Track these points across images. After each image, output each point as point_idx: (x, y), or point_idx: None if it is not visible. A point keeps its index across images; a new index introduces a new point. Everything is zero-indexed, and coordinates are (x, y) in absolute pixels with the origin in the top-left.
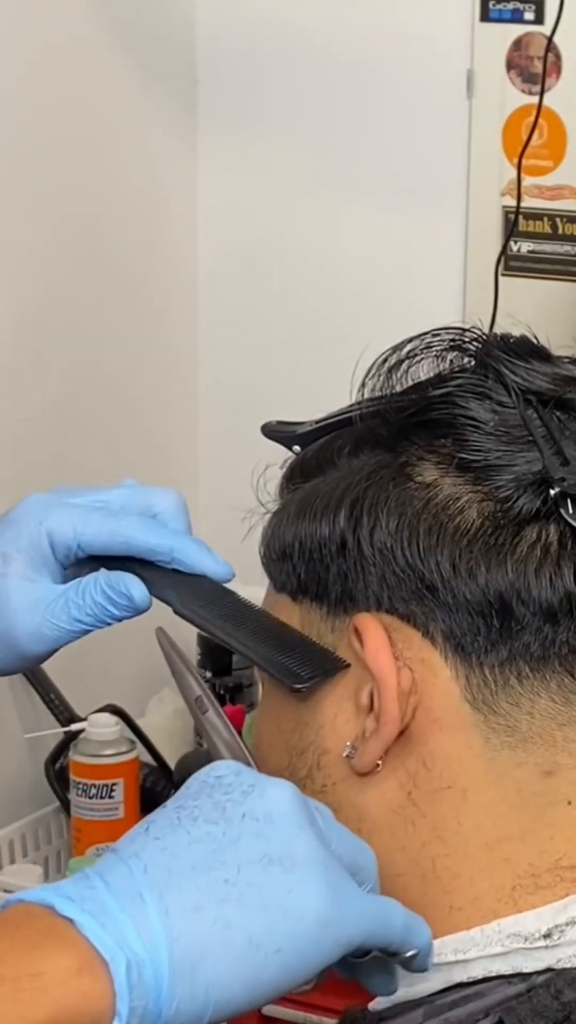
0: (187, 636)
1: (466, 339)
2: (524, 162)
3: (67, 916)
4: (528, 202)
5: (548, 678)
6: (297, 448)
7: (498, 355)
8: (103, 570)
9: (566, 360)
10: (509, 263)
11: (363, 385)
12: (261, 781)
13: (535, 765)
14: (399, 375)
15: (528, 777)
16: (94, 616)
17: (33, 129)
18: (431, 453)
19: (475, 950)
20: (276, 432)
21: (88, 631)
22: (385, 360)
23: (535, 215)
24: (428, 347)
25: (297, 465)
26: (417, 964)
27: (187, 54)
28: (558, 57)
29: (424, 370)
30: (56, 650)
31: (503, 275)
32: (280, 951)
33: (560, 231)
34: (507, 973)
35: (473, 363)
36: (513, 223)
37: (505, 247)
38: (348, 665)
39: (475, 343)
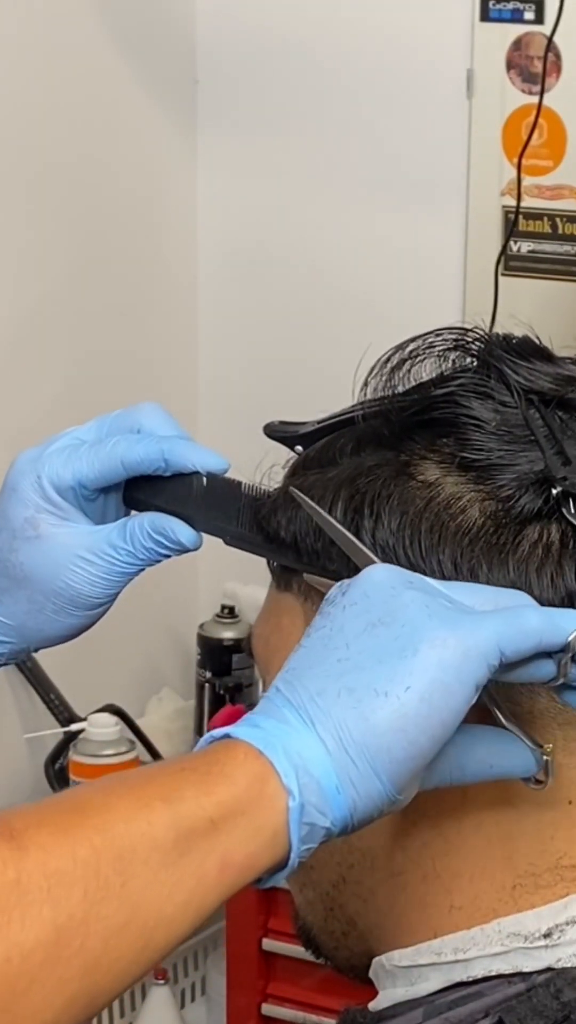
0: (187, 635)
1: (468, 339)
2: (524, 162)
3: (224, 734)
4: (528, 202)
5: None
6: (299, 448)
7: (500, 355)
8: (146, 515)
9: (568, 360)
10: (509, 263)
11: (365, 385)
12: (355, 577)
13: None
14: (401, 375)
15: None
16: (144, 558)
17: (33, 129)
18: (433, 452)
19: (475, 949)
20: (278, 432)
21: (140, 572)
22: (387, 360)
23: (535, 215)
24: (430, 347)
25: (299, 465)
26: None
27: (187, 54)
28: (558, 57)
29: (426, 370)
30: (114, 598)
31: (503, 275)
32: (411, 688)
33: (560, 231)
34: (507, 972)
35: (475, 363)
36: (513, 223)
37: (505, 247)
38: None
39: (477, 343)
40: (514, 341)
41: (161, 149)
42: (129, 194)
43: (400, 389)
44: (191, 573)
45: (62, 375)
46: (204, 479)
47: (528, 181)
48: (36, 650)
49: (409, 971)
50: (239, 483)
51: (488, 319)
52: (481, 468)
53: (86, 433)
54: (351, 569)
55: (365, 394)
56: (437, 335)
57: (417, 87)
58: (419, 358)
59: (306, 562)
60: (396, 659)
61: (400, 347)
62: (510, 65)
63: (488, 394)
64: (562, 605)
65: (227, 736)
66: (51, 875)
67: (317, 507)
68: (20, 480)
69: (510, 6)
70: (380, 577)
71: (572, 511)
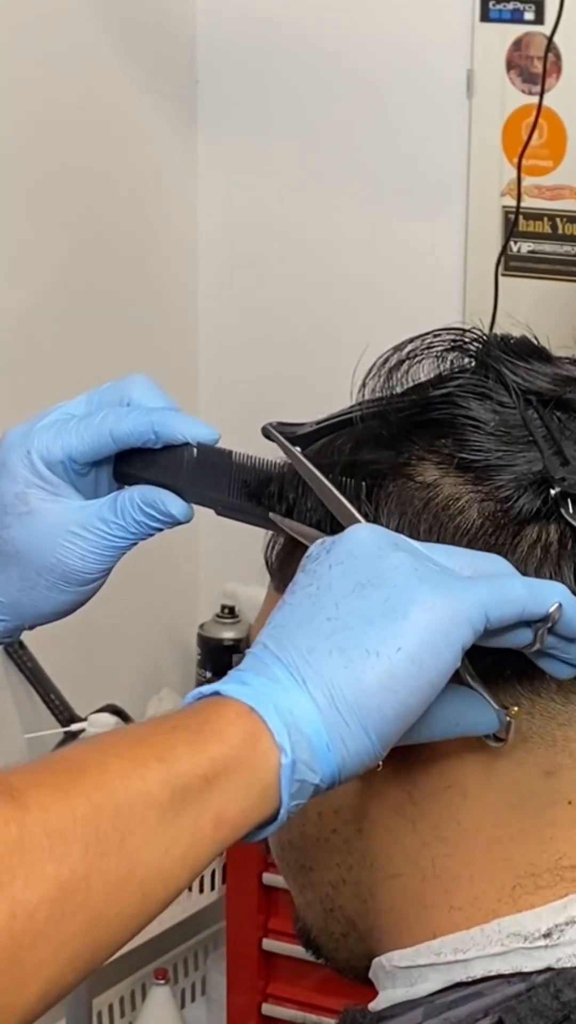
0: (187, 635)
1: (466, 339)
2: (524, 162)
3: (214, 691)
4: (528, 202)
5: (548, 678)
6: (298, 449)
7: (498, 355)
8: (136, 488)
9: (566, 361)
10: (509, 263)
11: (364, 385)
12: (341, 535)
13: (536, 765)
14: (399, 375)
15: (528, 777)
16: (135, 531)
17: (34, 129)
18: (432, 453)
19: (475, 950)
20: (276, 433)
21: (132, 546)
22: (386, 360)
23: (535, 215)
24: (429, 347)
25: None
26: (567, 620)
27: (187, 54)
28: (558, 57)
29: (424, 370)
30: (107, 574)
31: (503, 275)
32: (401, 649)
33: (560, 231)
34: (507, 972)
35: (473, 363)
36: (513, 223)
37: (505, 247)
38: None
39: (475, 343)
40: (512, 342)
41: (161, 149)
42: (129, 194)
43: (398, 390)
44: (191, 573)
45: (62, 374)
46: (195, 450)
47: (528, 181)
48: (31, 627)
49: (409, 971)
50: (230, 452)
51: (488, 319)
52: (479, 469)
53: (75, 407)
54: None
55: (363, 395)
56: (435, 336)
57: (417, 87)
58: (417, 359)
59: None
60: (387, 620)
61: (398, 348)
62: (510, 65)
63: (486, 395)
64: None
65: (217, 693)
66: (52, 833)
67: (304, 459)
68: (9, 455)
69: (510, 6)
70: (365, 536)
71: (570, 511)
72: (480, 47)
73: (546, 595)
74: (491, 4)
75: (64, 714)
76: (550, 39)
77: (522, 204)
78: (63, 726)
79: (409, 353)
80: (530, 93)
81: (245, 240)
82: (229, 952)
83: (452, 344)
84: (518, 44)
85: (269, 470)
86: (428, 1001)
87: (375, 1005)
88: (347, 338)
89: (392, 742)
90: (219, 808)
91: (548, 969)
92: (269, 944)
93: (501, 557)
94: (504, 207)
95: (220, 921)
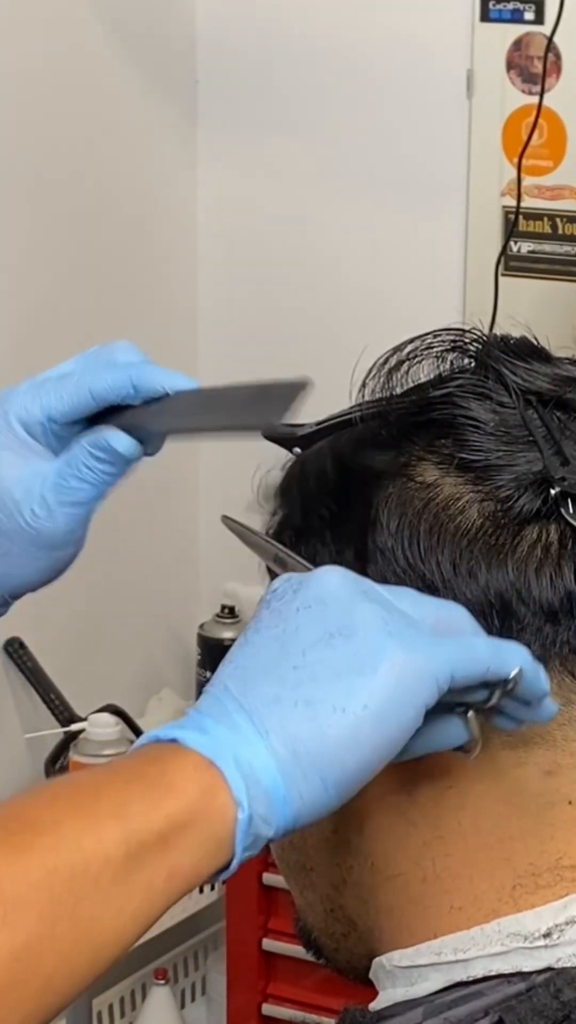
0: (187, 635)
1: (466, 340)
2: (524, 162)
3: (171, 737)
4: (528, 202)
5: (548, 678)
6: (298, 450)
7: (498, 356)
8: (86, 432)
9: (566, 361)
10: (509, 263)
11: (363, 386)
12: (309, 575)
13: (536, 765)
14: (399, 376)
15: (528, 777)
16: (92, 479)
17: (34, 129)
18: (432, 453)
19: (475, 949)
20: (276, 434)
21: (96, 498)
22: (386, 361)
23: (535, 215)
24: (429, 348)
25: (296, 467)
26: (525, 684)
27: (187, 54)
28: (558, 57)
29: (424, 371)
30: (81, 536)
31: (503, 275)
32: (367, 707)
33: (560, 231)
34: (507, 972)
35: (473, 364)
36: (513, 223)
37: (505, 247)
38: (305, 380)
39: (475, 344)
40: (512, 342)
41: (161, 149)
42: (129, 194)
43: (398, 390)
44: (191, 573)
45: None
46: (176, 395)
47: (528, 181)
48: (14, 597)
49: (409, 971)
50: (200, 389)
51: (488, 319)
52: (480, 469)
53: (58, 371)
54: None
55: (363, 395)
56: (435, 336)
57: (417, 87)
58: (417, 359)
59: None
60: (355, 676)
61: (398, 348)
62: (510, 65)
63: (486, 395)
64: (561, 605)
65: (175, 741)
66: (6, 901)
67: (251, 530)
68: None
69: (510, 6)
70: (335, 582)
71: (571, 511)
72: (480, 47)
73: (509, 658)
74: (491, 4)
75: (64, 714)
76: (550, 39)
77: (522, 204)
78: (63, 726)
79: (409, 354)
80: (530, 93)
81: (245, 240)
82: (229, 952)
83: (452, 344)
84: (518, 44)
85: (245, 389)
86: (428, 1001)
87: (375, 1005)
88: (347, 338)
89: (350, 794)
90: (173, 863)
91: (548, 969)
92: (269, 944)
93: (463, 608)
94: (504, 207)
95: (220, 921)
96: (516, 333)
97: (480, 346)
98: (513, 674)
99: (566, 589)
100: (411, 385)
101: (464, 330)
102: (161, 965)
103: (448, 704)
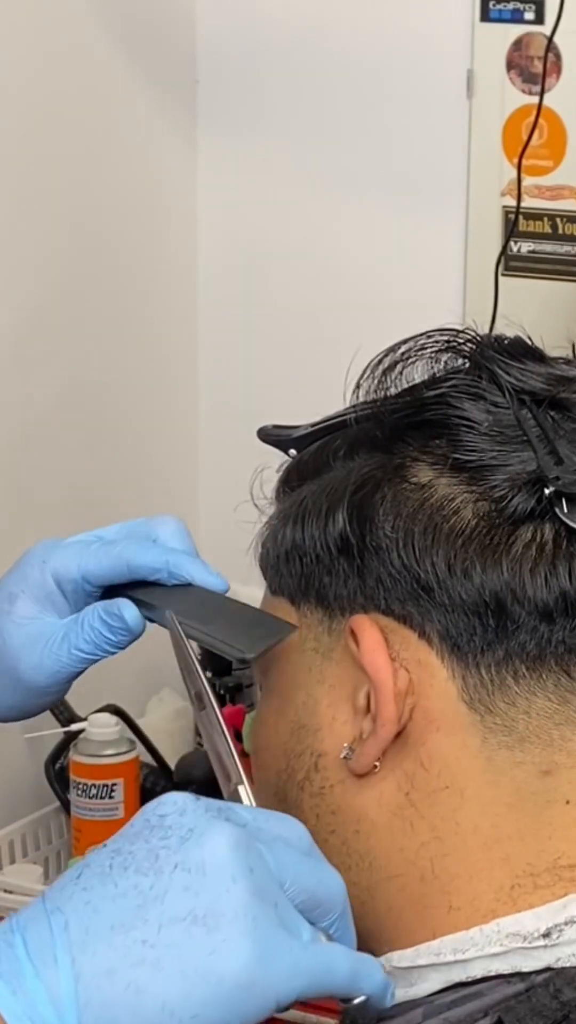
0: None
1: (460, 340)
2: (524, 162)
3: None
4: (528, 202)
5: (544, 677)
6: (293, 452)
7: (492, 355)
8: (103, 602)
9: (561, 361)
10: (509, 263)
11: (357, 387)
12: (203, 825)
13: (533, 764)
14: (393, 377)
15: (526, 777)
16: (92, 643)
17: (33, 130)
18: (426, 454)
19: (474, 950)
20: (272, 436)
21: (91, 661)
22: (379, 362)
23: (535, 215)
24: (422, 348)
25: (293, 468)
26: (370, 1009)
27: (187, 54)
28: (558, 57)
29: (418, 372)
30: (67, 684)
31: (503, 275)
32: (196, 1017)
33: (560, 231)
34: (506, 972)
35: (467, 364)
36: (513, 223)
37: (505, 247)
38: (294, 627)
39: (469, 344)
40: (506, 342)
41: (161, 149)
42: (129, 194)
43: (392, 391)
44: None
45: (62, 376)
46: (194, 590)
47: (528, 181)
48: None
49: (408, 972)
50: (228, 598)
51: (488, 319)
52: (474, 469)
53: (105, 533)
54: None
55: (357, 396)
56: (428, 336)
57: (417, 87)
58: (411, 360)
59: (300, 590)
60: (198, 979)
61: (391, 349)
62: (510, 65)
63: (480, 395)
64: (556, 604)
65: None
66: None
67: (186, 643)
68: (28, 559)
69: (510, 6)
70: (223, 853)
71: (565, 510)
72: (480, 47)
73: (362, 988)
74: (491, 4)
75: (64, 714)
76: (550, 39)
77: (522, 204)
78: (63, 726)
79: (403, 355)
80: (530, 93)
81: (245, 240)
82: None
83: (446, 345)
84: (518, 44)
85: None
86: (428, 1001)
87: None
88: (347, 337)
89: None
90: None
91: (547, 969)
92: None
93: (341, 883)
94: (504, 207)
95: None
96: (513, 333)
97: (474, 346)
98: (358, 1002)
99: (561, 588)
100: (405, 386)
101: (458, 330)
102: None
103: None
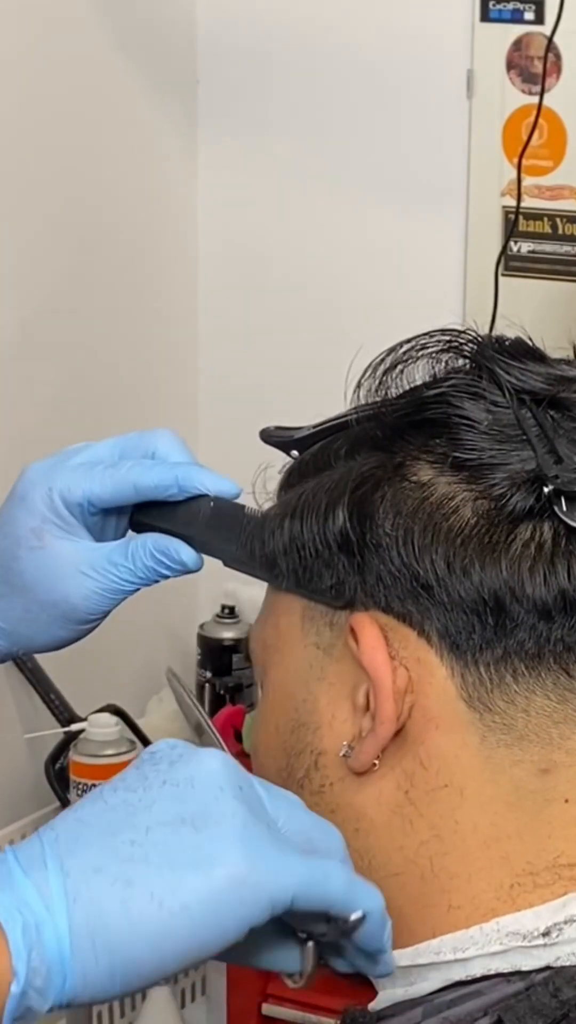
0: (187, 635)
1: (461, 340)
2: (524, 162)
3: None
4: (528, 202)
5: (543, 676)
6: (295, 453)
7: (492, 356)
8: (150, 535)
9: (562, 361)
10: (509, 263)
11: (358, 387)
12: (192, 751)
13: (532, 763)
14: (394, 377)
15: (525, 775)
16: (146, 578)
17: (34, 130)
18: (426, 453)
19: (474, 948)
20: (274, 437)
21: (136, 591)
22: (380, 362)
23: (535, 215)
24: (423, 348)
25: (295, 469)
26: (366, 934)
27: (187, 54)
28: (558, 57)
29: (419, 372)
30: (107, 614)
31: (503, 275)
32: (187, 908)
33: (560, 231)
34: (506, 971)
35: (468, 364)
36: (513, 223)
37: (505, 247)
38: None
39: (470, 344)
40: (507, 342)
41: (161, 149)
42: (129, 194)
43: (393, 391)
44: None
45: (62, 375)
46: (211, 503)
47: (528, 181)
48: (24, 654)
49: (408, 971)
50: (243, 507)
51: (488, 319)
52: (473, 467)
53: (102, 450)
54: (341, 590)
55: (358, 396)
56: (430, 336)
57: (417, 87)
58: (411, 360)
59: (298, 582)
60: (187, 870)
61: (392, 349)
62: (510, 65)
63: (480, 394)
64: (555, 602)
65: None
66: None
67: (186, 690)
68: (31, 490)
69: (510, 6)
70: (214, 768)
71: (564, 509)
72: (480, 47)
73: (360, 900)
74: (491, 4)
75: (64, 714)
76: (550, 39)
77: (522, 204)
78: (63, 726)
79: (403, 355)
80: (530, 93)
81: (245, 239)
82: None
83: (446, 345)
84: (518, 44)
85: (262, 523)
86: (427, 1000)
87: (374, 1005)
88: (347, 337)
89: (134, 989)
90: None
91: (547, 968)
92: None
93: (339, 835)
94: (504, 207)
95: None
96: (513, 334)
97: (475, 346)
98: (354, 917)
99: (559, 587)
100: (405, 386)
101: (459, 331)
102: None
103: (287, 924)
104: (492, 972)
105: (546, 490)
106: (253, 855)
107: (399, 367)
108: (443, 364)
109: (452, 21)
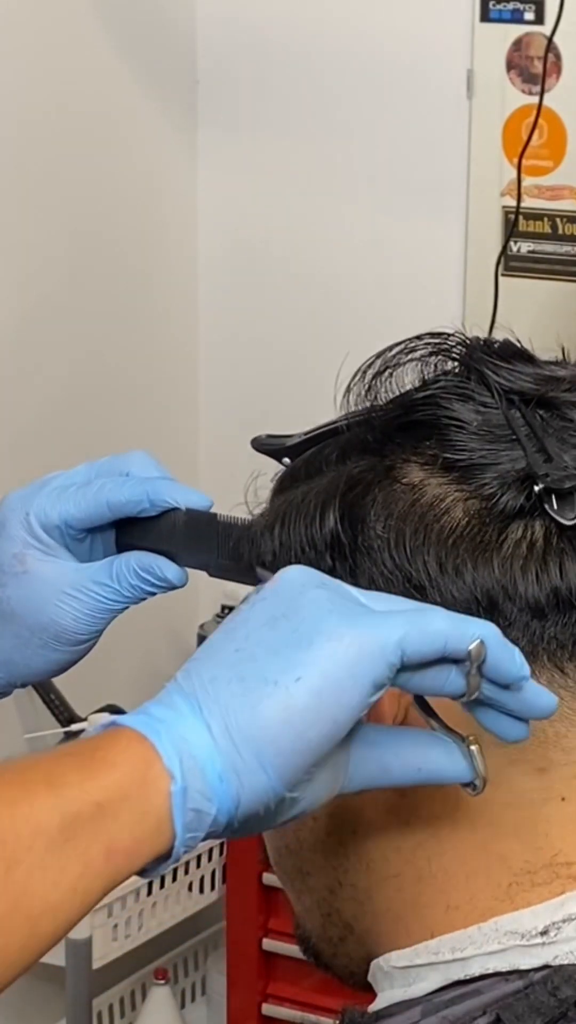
0: (187, 635)
1: (449, 344)
2: (524, 162)
3: (111, 721)
4: (528, 202)
5: (537, 674)
6: (287, 460)
7: (481, 357)
8: (133, 553)
9: (550, 363)
10: (509, 263)
11: (348, 391)
12: (274, 576)
13: (528, 762)
14: (383, 380)
15: (521, 774)
16: (132, 597)
17: (34, 130)
18: (416, 455)
19: (472, 948)
20: (266, 446)
21: (124, 609)
22: (369, 366)
23: (535, 215)
24: (412, 350)
25: (286, 476)
26: (495, 661)
27: (187, 54)
28: (558, 57)
29: (408, 376)
30: (99, 635)
31: (503, 275)
32: (301, 679)
33: (560, 231)
34: (504, 970)
35: (457, 367)
36: (513, 223)
37: (505, 247)
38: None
39: (458, 347)
40: (495, 344)
41: (161, 149)
42: (129, 194)
43: (382, 395)
44: (191, 573)
45: (62, 375)
46: (184, 516)
47: (528, 181)
48: (23, 685)
49: (407, 972)
50: (215, 515)
51: (488, 319)
52: (464, 468)
53: (75, 476)
54: None
55: (348, 400)
56: (419, 339)
57: (417, 87)
58: (401, 364)
59: None
60: (291, 650)
61: (380, 354)
62: (510, 65)
63: (469, 396)
64: (548, 600)
65: (114, 724)
66: None
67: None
68: (9, 517)
69: (510, 6)
70: (293, 575)
71: (554, 507)
72: (480, 47)
73: (469, 630)
74: (491, 4)
75: (64, 714)
76: (550, 39)
77: (522, 204)
78: (63, 726)
79: (392, 359)
80: (530, 93)
81: (245, 240)
82: (229, 952)
83: (435, 348)
84: (518, 44)
85: (247, 528)
86: (426, 1000)
87: (374, 1007)
88: (347, 337)
89: (296, 780)
90: (111, 837)
91: (546, 966)
92: (269, 944)
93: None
94: (504, 207)
95: (220, 921)
96: (515, 336)
97: (463, 349)
98: (472, 646)
99: (552, 585)
100: (395, 390)
101: (447, 334)
102: (161, 965)
103: (449, 733)
104: (491, 971)
105: (536, 488)
106: (346, 618)
107: (388, 371)
108: (432, 368)
109: (452, 21)
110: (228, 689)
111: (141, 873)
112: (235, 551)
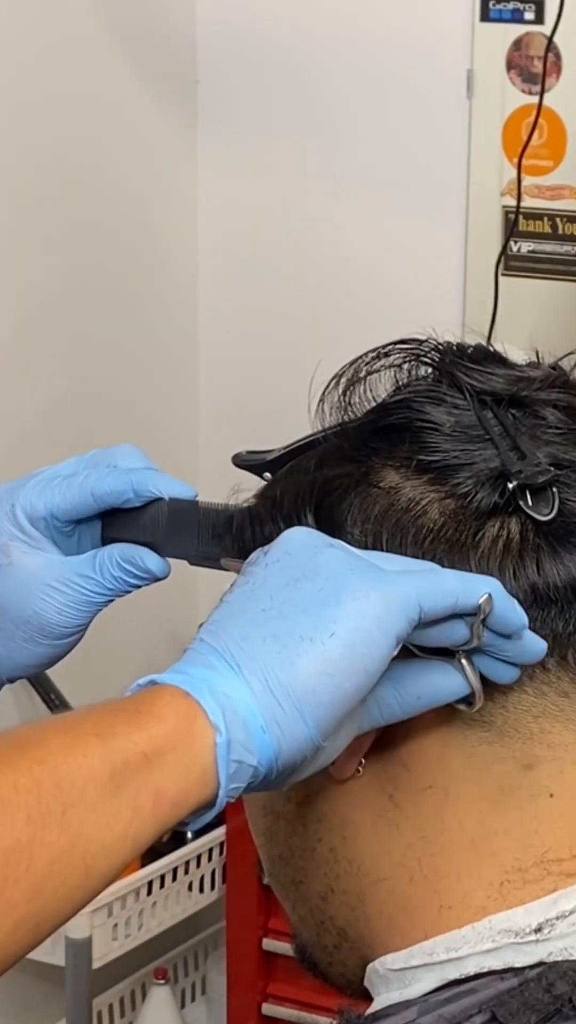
0: (187, 635)
1: (422, 350)
2: (524, 162)
3: (150, 680)
4: (528, 202)
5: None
6: (268, 475)
7: (453, 360)
8: (116, 545)
9: (524, 365)
10: (509, 263)
11: (322, 400)
12: (278, 537)
13: (514, 759)
14: (358, 390)
15: (508, 771)
16: (115, 589)
17: (34, 130)
18: (391, 459)
19: (467, 947)
20: (246, 461)
21: (109, 601)
22: (343, 374)
23: (535, 215)
24: (386, 355)
25: (268, 489)
26: (499, 613)
27: (187, 54)
28: (558, 57)
29: (383, 383)
30: (85, 629)
31: (503, 275)
32: (335, 634)
33: (560, 231)
34: (499, 968)
35: (430, 372)
36: (513, 223)
37: (505, 247)
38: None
39: (432, 353)
40: (469, 349)
41: (161, 149)
42: (129, 194)
43: (356, 402)
44: (191, 573)
45: (62, 375)
46: (167, 505)
47: (528, 181)
48: (10, 680)
49: (402, 973)
50: (197, 503)
51: (488, 319)
52: (439, 469)
53: (63, 469)
54: None
55: (322, 408)
56: (393, 346)
57: (417, 87)
58: (374, 372)
59: None
60: (320, 608)
61: (353, 362)
62: (510, 65)
63: (441, 398)
64: (526, 598)
65: (153, 682)
66: None
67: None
68: None
69: (510, 6)
70: (300, 536)
71: (529, 504)
72: (480, 47)
73: (477, 587)
74: (491, 4)
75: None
76: (550, 39)
77: (522, 204)
78: None
79: (365, 366)
80: (530, 93)
81: (245, 240)
82: (229, 952)
83: (409, 355)
84: (518, 44)
85: (229, 512)
86: (422, 1000)
87: (371, 1010)
88: (348, 338)
89: (330, 729)
90: (158, 785)
91: (540, 963)
92: (269, 944)
93: (437, 566)
94: (504, 207)
95: (220, 921)
96: (514, 338)
97: (436, 354)
98: (481, 600)
99: (530, 581)
100: (369, 397)
101: (420, 340)
102: (161, 965)
103: (438, 654)
104: (485, 970)
105: (511, 486)
106: (367, 578)
107: (361, 379)
108: (406, 374)
109: (452, 21)
110: (264, 647)
111: (184, 825)
112: (215, 535)
